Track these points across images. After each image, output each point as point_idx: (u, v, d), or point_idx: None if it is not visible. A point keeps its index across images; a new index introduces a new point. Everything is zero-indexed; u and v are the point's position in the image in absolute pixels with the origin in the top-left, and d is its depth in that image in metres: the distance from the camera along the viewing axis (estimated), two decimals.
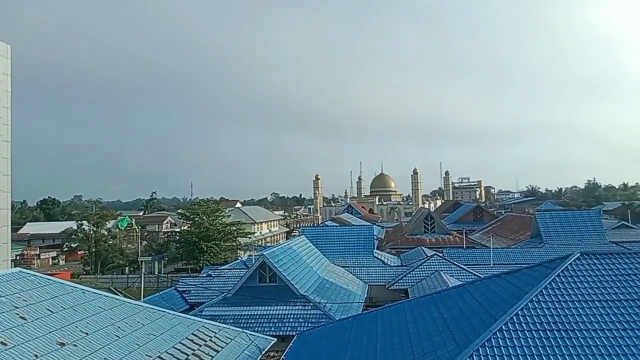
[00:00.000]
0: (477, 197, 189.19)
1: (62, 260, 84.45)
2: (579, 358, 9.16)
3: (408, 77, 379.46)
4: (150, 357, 13.21)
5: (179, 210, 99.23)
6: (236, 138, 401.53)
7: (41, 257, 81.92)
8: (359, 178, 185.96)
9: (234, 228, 68.54)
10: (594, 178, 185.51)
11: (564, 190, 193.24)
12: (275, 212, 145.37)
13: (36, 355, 10.91)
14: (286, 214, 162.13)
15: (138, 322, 14.69)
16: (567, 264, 12.34)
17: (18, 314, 12.02)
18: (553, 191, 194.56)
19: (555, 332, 9.92)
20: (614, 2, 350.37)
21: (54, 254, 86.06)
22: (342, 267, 36.37)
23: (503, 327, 10.22)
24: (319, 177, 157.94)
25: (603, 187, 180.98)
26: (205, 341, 15.54)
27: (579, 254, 12.78)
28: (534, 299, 11.07)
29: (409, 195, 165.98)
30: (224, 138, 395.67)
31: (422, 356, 11.08)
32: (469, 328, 11.54)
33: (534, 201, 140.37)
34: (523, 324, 10.23)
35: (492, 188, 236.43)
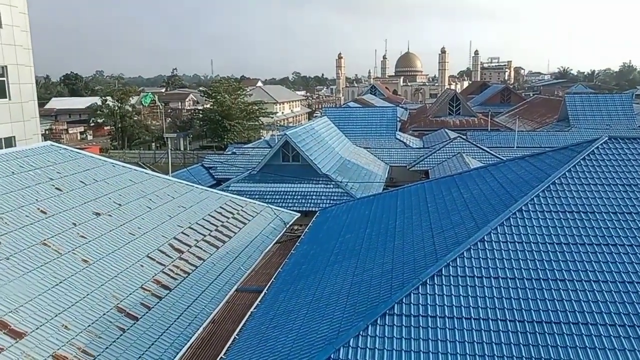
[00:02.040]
0: (506, 78, 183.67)
1: (90, 135, 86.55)
2: (597, 239, 9.34)
3: None
4: (182, 227, 13.94)
5: (200, 88, 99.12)
6: (257, 15, 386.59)
7: (69, 132, 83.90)
8: (384, 57, 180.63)
9: (256, 107, 68.63)
10: (630, 60, 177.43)
11: (597, 72, 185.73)
12: (297, 92, 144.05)
13: (74, 224, 11.58)
14: (308, 94, 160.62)
15: (168, 195, 15.31)
16: (593, 148, 12.15)
17: (54, 185, 12.58)
18: (585, 73, 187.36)
19: (575, 214, 10.03)
20: None
21: (82, 129, 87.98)
22: (364, 148, 36.63)
23: (523, 207, 10.35)
24: (341, 56, 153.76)
25: (639, 70, 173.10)
26: (233, 214, 16.25)
27: (606, 138, 12.53)
28: (556, 181, 11.07)
29: (435, 76, 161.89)
30: (245, 14, 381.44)
31: (440, 233, 11.44)
32: (488, 208, 11.75)
33: (564, 83, 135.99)
34: (544, 205, 10.34)
35: (522, 69, 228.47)
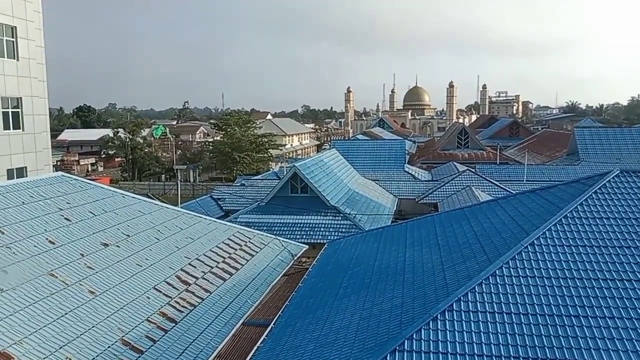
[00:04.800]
0: (514, 112, 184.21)
1: (101, 166, 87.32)
2: (611, 274, 9.15)
3: None
4: (189, 258, 13.85)
5: (211, 121, 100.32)
6: (268, 49, 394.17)
7: (80, 163, 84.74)
8: (392, 91, 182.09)
9: (266, 139, 69.20)
10: (638, 95, 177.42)
11: (605, 106, 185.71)
12: (306, 125, 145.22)
13: (82, 254, 11.54)
14: (317, 127, 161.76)
15: (176, 226, 15.28)
16: (605, 181, 12.03)
17: (63, 216, 12.61)
18: (594, 108, 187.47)
19: (588, 247, 9.85)
20: None
21: (93, 160, 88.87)
22: (373, 180, 36.59)
23: (535, 241, 10.20)
24: (350, 89, 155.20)
25: None
26: (241, 246, 16.16)
27: (618, 172, 12.43)
28: (568, 214, 10.94)
29: (443, 110, 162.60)
30: (255, 48, 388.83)
31: (451, 267, 11.27)
32: (500, 241, 11.59)
33: (572, 117, 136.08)
34: (555, 239, 10.18)
35: (530, 103, 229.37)
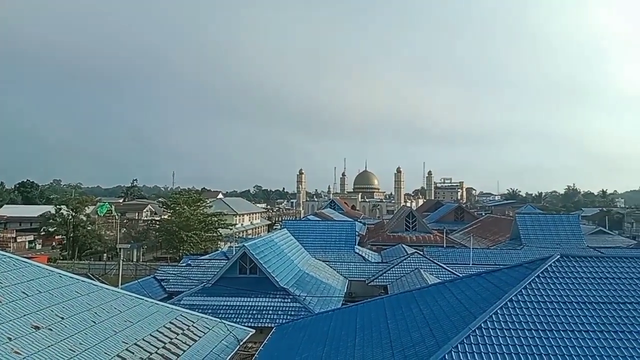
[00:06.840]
0: (459, 197, 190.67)
1: (39, 244, 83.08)
2: (556, 358, 9.25)
3: (393, 76, 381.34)
4: (127, 344, 13.03)
5: (159, 199, 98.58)
6: (220, 129, 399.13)
7: (17, 240, 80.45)
8: (343, 174, 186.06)
9: (215, 219, 68.22)
10: (574, 184, 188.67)
11: (544, 194, 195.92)
12: (258, 204, 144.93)
13: (10, 338, 10.67)
14: (268, 207, 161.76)
15: (115, 308, 14.48)
16: (547, 266, 12.46)
17: None
18: (533, 195, 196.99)
19: (533, 331, 10.01)
20: (603, 9, 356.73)
21: (31, 237, 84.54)
22: (323, 261, 36.37)
23: (482, 325, 10.27)
24: (302, 171, 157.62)
25: (582, 193, 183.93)
26: (183, 330, 15.39)
27: (559, 256, 12.91)
28: (513, 298, 11.16)
29: (391, 194, 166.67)
30: (207, 128, 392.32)
31: (400, 351, 11.09)
32: (448, 325, 11.59)
33: (514, 204, 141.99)
34: (502, 323, 10.30)
35: (474, 190, 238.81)
